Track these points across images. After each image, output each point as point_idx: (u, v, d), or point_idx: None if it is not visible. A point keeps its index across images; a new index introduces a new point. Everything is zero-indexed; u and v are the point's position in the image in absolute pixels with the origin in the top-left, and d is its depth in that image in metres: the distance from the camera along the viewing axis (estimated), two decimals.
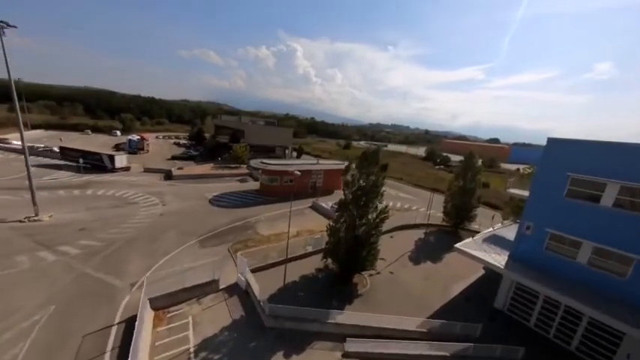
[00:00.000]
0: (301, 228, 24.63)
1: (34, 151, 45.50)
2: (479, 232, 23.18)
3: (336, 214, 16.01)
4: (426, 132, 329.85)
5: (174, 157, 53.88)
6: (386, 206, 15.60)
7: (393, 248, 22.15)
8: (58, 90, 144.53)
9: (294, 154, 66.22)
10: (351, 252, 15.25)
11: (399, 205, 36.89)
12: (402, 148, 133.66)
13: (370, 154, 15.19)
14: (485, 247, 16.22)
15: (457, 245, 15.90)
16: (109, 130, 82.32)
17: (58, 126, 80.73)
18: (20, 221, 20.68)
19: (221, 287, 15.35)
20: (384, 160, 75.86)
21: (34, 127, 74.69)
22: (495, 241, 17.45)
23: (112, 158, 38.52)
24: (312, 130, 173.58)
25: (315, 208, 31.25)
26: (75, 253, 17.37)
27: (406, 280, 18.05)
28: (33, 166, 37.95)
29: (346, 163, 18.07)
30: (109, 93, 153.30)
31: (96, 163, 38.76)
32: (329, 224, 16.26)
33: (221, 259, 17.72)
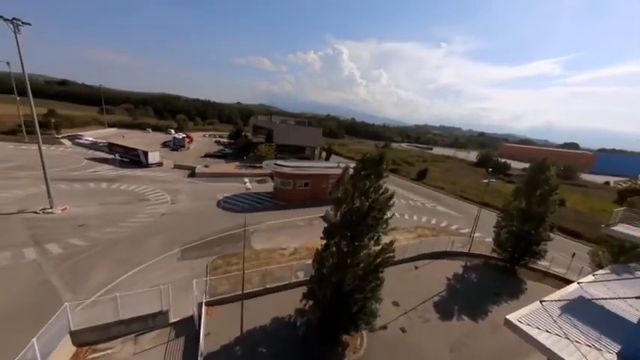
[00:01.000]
0: (302, 244, 20.35)
1: (96, 146, 51.64)
2: (548, 273, 15.36)
3: (322, 242, 11.24)
4: (481, 134, 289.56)
5: (207, 155, 55.15)
6: (392, 242, 10.16)
7: (414, 285, 16.23)
8: (138, 95, 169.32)
9: (324, 154, 62.16)
10: (337, 301, 10.38)
11: (434, 221, 29.62)
12: (450, 152, 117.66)
13: (371, 161, 10.01)
14: (563, 324, 9.35)
15: (509, 318, 9.38)
16: (166, 129, 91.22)
17: (129, 125, 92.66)
18: (36, 212, 21.35)
19: (172, 321, 12.13)
20: (424, 165, 66.66)
21: (110, 125, 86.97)
22: (586, 310, 10.18)
23: (146, 154, 40.34)
24: (351, 131, 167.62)
25: (327, 219, 26.61)
26: (56, 253, 16.42)
27: (424, 346, 12.12)
28: (86, 159, 44.13)
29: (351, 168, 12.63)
30: (175, 97, 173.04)
31: (134, 159, 41.15)
32: (318, 248, 11.61)
33: (188, 279, 14.64)
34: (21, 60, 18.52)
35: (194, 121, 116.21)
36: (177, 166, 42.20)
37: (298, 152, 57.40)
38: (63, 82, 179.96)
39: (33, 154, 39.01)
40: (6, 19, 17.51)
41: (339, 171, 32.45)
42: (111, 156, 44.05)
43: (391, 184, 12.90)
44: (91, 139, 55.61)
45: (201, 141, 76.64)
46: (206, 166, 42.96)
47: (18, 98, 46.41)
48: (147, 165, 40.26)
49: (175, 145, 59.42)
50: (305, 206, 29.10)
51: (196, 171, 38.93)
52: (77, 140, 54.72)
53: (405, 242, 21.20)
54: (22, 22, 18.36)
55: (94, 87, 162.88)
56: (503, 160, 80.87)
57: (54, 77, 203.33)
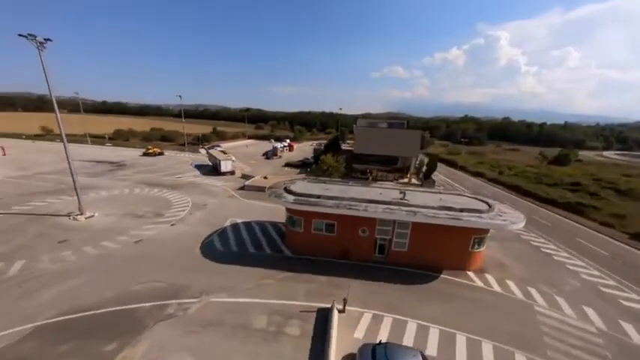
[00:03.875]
0: None
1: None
2: None
3: None
4: None
5: (287, 164, 51.52)
6: None
7: None
8: (280, 114, 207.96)
9: (424, 165, 41.32)
10: None
11: None
12: None
13: None
14: None
15: None
16: (274, 139, 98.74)
17: (262, 137, 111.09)
18: (68, 216, 22.64)
19: None
20: None
21: (250, 137, 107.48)
22: None
23: (220, 163, 41.04)
24: (501, 135, 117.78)
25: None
26: (9, 275, 14.23)
27: None
28: (191, 165, 52.26)
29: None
30: (307, 113, 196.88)
31: (215, 167, 43.25)
32: None
33: None
34: (46, 76, 19.02)
35: (311, 132, 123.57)
36: (244, 176, 40.10)
37: (388, 163, 41.33)
38: (246, 110, 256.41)
39: (167, 159, 48.65)
40: (30, 38, 18.07)
41: (403, 212, 15.65)
42: (209, 163, 49.30)
43: None
44: (219, 148, 67.56)
45: (306, 150, 76.49)
46: (265, 177, 37.90)
47: (183, 120, 63.33)
48: (221, 173, 40.80)
49: (270, 155, 60.82)
50: (329, 269, 15.66)
51: (246, 183, 34.32)
52: (209, 150, 68.09)
53: None
54: (45, 39, 18.70)
55: (251, 109, 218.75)
56: None
57: (240, 106, 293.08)
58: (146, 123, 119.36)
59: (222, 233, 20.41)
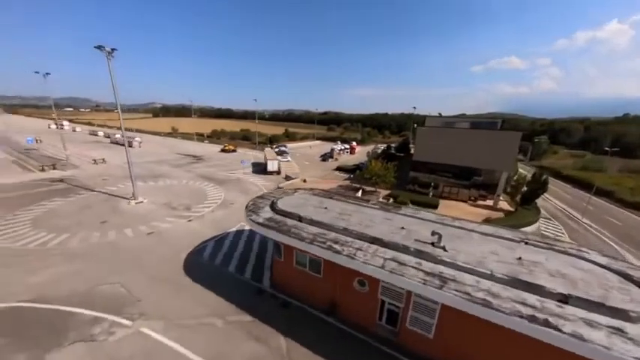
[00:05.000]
0: None
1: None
2: None
3: None
4: None
5: (339, 168, 47.01)
6: None
7: None
8: (355, 117, 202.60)
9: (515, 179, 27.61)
10: None
11: None
12: None
13: None
14: None
15: None
16: (338, 141, 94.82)
17: (330, 139, 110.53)
18: (128, 200, 26.26)
19: None
20: None
21: (318, 138, 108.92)
22: None
23: (267, 163, 41.03)
24: None
25: None
26: (51, 245, 17.05)
27: None
28: (252, 163, 54.79)
29: None
30: (382, 115, 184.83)
31: (264, 166, 43.82)
32: None
33: None
34: (112, 81, 22.27)
35: (383, 134, 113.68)
36: (287, 177, 38.66)
37: (466, 177, 30.68)
38: (325, 113, 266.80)
39: (236, 156, 53.49)
40: (101, 49, 21.41)
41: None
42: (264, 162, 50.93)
43: None
44: (284, 148, 70.38)
45: (365, 152, 70.10)
46: (304, 181, 35.08)
47: (257, 121, 69.31)
48: (268, 172, 40.86)
49: (326, 157, 58.14)
50: (302, 329, 10.94)
51: (280, 184, 32.31)
52: (275, 149, 71.84)
53: None
54: (112, 49, 21.80)
55: (330, 112, 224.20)
56: None
57: (324, 110, 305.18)
58: (238, 124, 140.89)
59: (220, 240, 18.47)
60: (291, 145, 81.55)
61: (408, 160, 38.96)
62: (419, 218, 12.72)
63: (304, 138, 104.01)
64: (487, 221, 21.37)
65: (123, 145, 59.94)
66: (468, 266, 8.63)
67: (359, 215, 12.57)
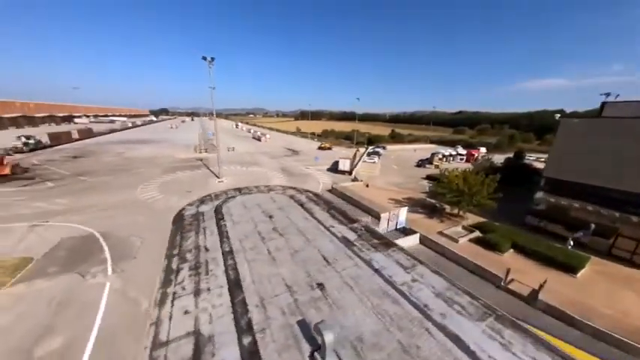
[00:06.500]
0: None
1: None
2: None
3: None
4: None
5: (428, 177, 36.39)
6: None
7: None
8: (504, 116, 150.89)
9: None
10: None
11: None
12: None
13: None
14: None
15: None
16: (475, 145, 73.57)
17: (448, 142, 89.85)
18: (217, 178, 32.82)
19: None
20: None
21: (433, 142, 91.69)
22: None
23: (338, 161, 38.59)
24: None
25: None
26: (151, 201, 24.90)
27: None
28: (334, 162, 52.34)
29: None
30: (543, 112, 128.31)
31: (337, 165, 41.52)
32: None
33: None
34: (211, 86, 28.33)
35: (541, 138, 77.78)
36: (354, 178, 34.64)
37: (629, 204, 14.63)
38: (458, 113, 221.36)
39: (328, 154, 55.88)
40: (205, 59, 27.63)
41: None
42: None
43: None
44: (379, 149, 64.76)
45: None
46: (367, 185, 29.83)
47: (357, 121, 67.99)
48: (339, 171, 38.65)
49: (423, 163, 47.44)
50: None
51: (334, 185, 28.94)
52: (369, 149, 67.21)
53: None
54: (212, 58, 27.59)
55: (465, 112, 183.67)
56: None
57: (450, 110, 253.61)
58: (352, 126, 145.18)
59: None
60: (393, 147, 74.10)
61: (529, 173, 24.20)
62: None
63: (415, 140, 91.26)
64: None
65: (258, 139, 75.88)
66: None
67: (304, 247, 7.88)
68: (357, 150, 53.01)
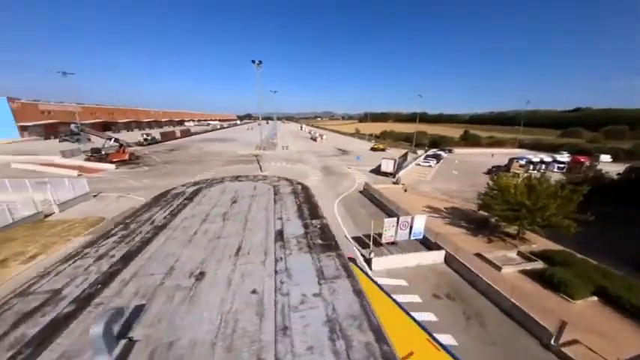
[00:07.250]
0: None
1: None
2: None
3: None
4: None
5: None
6: None
7: None
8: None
9: None
10: None
11: None
12: None
13: None
14: None
15: None
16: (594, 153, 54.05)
17: (547, 146, 69.37)
18: (261, 172, 35.42)
19: None
20: None
21: (522, 146, 73.03)
22: None
23: (382, 162, 35.12)
24: None
25: None
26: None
27: None
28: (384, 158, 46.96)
29: None
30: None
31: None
32: None
33: None
34: (258, 88, 30.91)
35: None
36: (396, 181, 30.98)
37: None
38: (576, 110, 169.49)
39: (379, 154, 53.72)
40: (254, 62, 30.31)
41: None
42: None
43: None
44: (442, 153, 56.41)
45: None
46: (405, 190, 26.15)
47: (417, 122, 61.24)
48: (381, 173, 35.42)
49: (494, 171, 38.19)
50: None
51: (364, 187, 26.39)
52: (430, 152, 59.02)
53: None
54: (260, 62, 30.03)
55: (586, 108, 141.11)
56: None
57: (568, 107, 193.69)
58: (414, 127, 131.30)
59: None
60: (462, 151, 63.45)
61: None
62: None
63: (496, 143, 75.21)
64: None
65: (314, 139, 78.75)
66: None
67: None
68: (408, 152, 47.53)
